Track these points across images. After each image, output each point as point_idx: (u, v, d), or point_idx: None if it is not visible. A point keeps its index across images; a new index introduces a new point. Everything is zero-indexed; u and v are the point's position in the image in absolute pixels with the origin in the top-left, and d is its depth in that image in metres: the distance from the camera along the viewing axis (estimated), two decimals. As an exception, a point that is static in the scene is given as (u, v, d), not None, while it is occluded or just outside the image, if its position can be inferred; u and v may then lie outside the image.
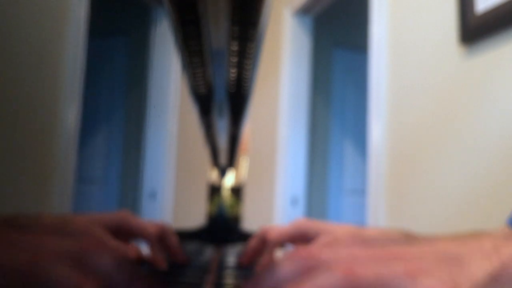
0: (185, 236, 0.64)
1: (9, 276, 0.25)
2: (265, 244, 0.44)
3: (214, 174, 0.63)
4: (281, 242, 0.42)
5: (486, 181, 1.14)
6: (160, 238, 0.42)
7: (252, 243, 0.45)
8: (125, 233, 0.39)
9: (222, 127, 0.44)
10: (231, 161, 0.60)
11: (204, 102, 0.38)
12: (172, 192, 2.57)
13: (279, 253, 0.42)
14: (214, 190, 0.62)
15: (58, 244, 0.28)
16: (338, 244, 0.31)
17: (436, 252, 0.29)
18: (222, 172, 0.63)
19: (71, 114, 1.73)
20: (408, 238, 0.32)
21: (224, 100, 0.37)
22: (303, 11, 2.49)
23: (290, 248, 0.42)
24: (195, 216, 2.35)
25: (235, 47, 0.29)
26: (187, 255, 0.43)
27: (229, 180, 0.62)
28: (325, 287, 0.26)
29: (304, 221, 0.40)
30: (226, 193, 0.62)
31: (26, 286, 0.26)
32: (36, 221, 0.32)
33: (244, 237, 0.66)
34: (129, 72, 2.86)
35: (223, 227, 0.63)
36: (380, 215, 1.54)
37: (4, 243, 0.27)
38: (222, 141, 0.50)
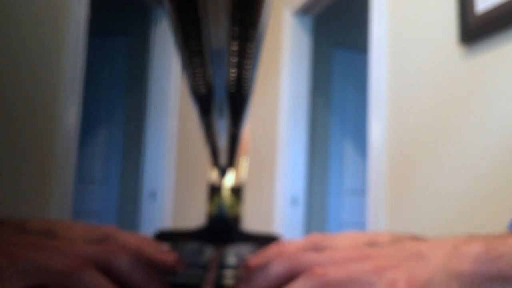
0: (185, 236, 0.64)
1: (48, 276, 0.29)
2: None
3: (214, 174, 0.63)
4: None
5: (486, 181, 1.14)
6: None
7: (268, 254, 0.46)
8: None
9: (222, 127, 0.44)
10: (231, 161, 0.60)
11: (204, 102, 0.38)
12: (172, 192, 2.57)
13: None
14: (214, 190, 0.62)
15: (88, 250, 0.32)
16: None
17: (402, 251, 0.32)
18: (222, 172, 0.63)
19: (71, 114, 1.73)
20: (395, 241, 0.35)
21: (224, 100, 0.37)
22: (303, 11, 2.49)
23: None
24: (195, 216, 2.35)
25: (235, 47, 0.29)
26: (180, 258, 0.43)
27: (229, 180, 0.62)
28: None
29: (317, 236, 0.41)
30: (226, 193, 0.62)
31: (66, 286, 0.29)
32: (45, 226, 0.35)
33: (244, 237, 0.66)
34: (129, 72, 2.85)
35: (223, 227, 0.63)
36: (380, 215, 1.54)
37: (41, 246, 0.31)
38: (222, 141, 0.50)
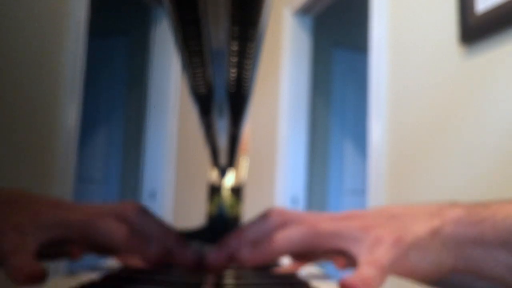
0: (185, 236, 0.64)
1: (72, 227, 0.33)
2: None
3: (214, 174, 0.63)
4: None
5: (486, 181, 1.14)
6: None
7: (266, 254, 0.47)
8: None
9: (222, 127, 0.44)
10: (231, 161, 0.60)
11: (204, 102, 0.38)
12: (172, 192, 2.56)
13: None
14: (214, 190, 0.62)
15: (106, 207, 0.36)
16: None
17: (388, 213, 0.34)
18: (222, 172, 0.63)
19: (71, 114, 1.73)
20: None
21: (224, 100, 0.37)
22: (303, 11, 2.49)
23: None
24: (195, 216, 2.35)
25: (235, 47, 0.29)
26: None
27: (229, 180, 0.62)
28: (293, 236, 0.32)
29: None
30: (226, 193, 0.62)
31: (85, 235, 0.33)
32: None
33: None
34: (129, 72, 2.85)
35: (223, 227, 0.63)
36: (380, 215, 1.54)
37: (65, 206, 0.35)
38: (222, 141, 0.50)
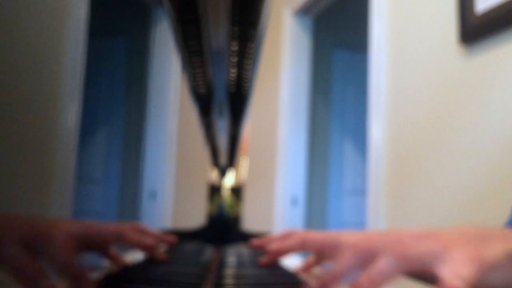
0: (185, 236, 0.64)
1: (105, 235, 0.46)
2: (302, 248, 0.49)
3: (214, 174, 0.63)
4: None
5: (486, 181, 1.14)
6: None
7: (289, 246, 0.49)
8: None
9: (222, 127, 0.44)
10: (231, 161, 0.60)
11: (204, 102, 0.38)
12: (172, 192, 2.56)
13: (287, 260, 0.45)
14: (214, 190, 0.62)
15: (123, 225, 0.49)
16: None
17: (462, 233, 0.35)
18: (222, 172, 0.63)
19: (71, 114, 1.73)
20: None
21: (224, 100, 0.37)
22: (303, 11, 2.49)
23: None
24: (195, 216, 2.34)
25: (235, 47, 0.29)
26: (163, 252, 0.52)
27: (229, 180, 0.62)
28: (385, 270, 0.34)
29: (334, 234, 0.44)
30: (226, 193, 0.61)
31: (114, 241, 0.47)
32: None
33: (244, 237, 0.66)
34: (129, 72, 2.85)
35: (223, 227, 0.63)
36: (380, 215, 1.54)
37: (97, 225, 0.47)
38: (222, 141, 0.50)
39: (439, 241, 0.34)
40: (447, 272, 0.32)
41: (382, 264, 0.34)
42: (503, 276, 0.32)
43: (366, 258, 0.36)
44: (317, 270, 0.46)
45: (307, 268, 0.52)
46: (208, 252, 0.64)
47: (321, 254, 0.47)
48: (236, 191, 0.62)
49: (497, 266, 0.32)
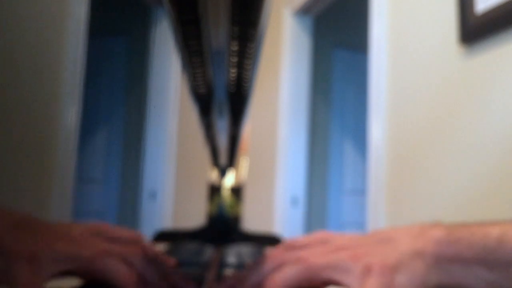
0: (185, 236, 0.64)
1: (84, 263, 0.36)
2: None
3: (214, 174, 0.63)
4: None
5: (486, 181, 1.14)
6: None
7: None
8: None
9: (222, 127, 0.44)
10: (231, 161, 0.60)
11: (204, 102, 0.38)
12: (172, 192, 2.56)
13: None
14: (214, 190, 0.62)
15: (114, 246, 0.39)
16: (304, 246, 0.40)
17: (375, 238, 0.36)
18: (222, 172, 0.63)
19: (71, 114, 1.73)
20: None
21: (224, 100, 0.37)
22: (303, 11, 2.49)
23: None
24: (195, 216, 2.35)
25: (235, 47, 0.29)
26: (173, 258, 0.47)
27: (229, 180, 0.62)
28: (288, 276, 0.35)
29: (322, 233, 0.44)
30: (226, 193, 0.62)
31: (93, 271, 0.36)
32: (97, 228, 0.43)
33: (244, 237, 0.66)
34: (129, 72, 2.85)
35: (223, 227, 0.63)
36: (380, 215, 1.54)
37: (77, 239, 0.38)
38: (222, 141, 0.50)
39: (349, 251, 0.35)
40: (354, 284, 0.33)
41: (285, 270, 0.35)
42: (411, 277, 0.32)
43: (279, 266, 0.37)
44: None
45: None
46: (208, 252, 0.64)
47: None
48: (236, 191, 0.62)
49: (404, 267, 0.32)
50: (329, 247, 0.37)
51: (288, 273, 0.35)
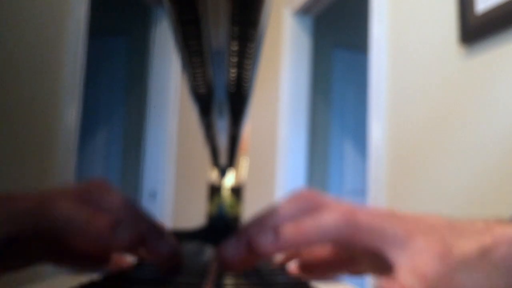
0: (185, 236, 0.64)
1: (21, 218, 0.26)
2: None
3: (214, 174, 0.63)
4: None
5: (487, 181, 1.14)
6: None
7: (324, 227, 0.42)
8: None
9: (222, 127, 0.44)
10: (231, 161, 0.60)
11: (204, 102, 0.38)
12: (172, 192, 2.56)
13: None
14: (214, 190, 0.62)
15: (65, 188, 0.29)
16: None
17: (430, 222, 0.28)
18: (222, 172, 0.63)
19: (71, 114, 1.73)
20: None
21: (224, 100, 0.37)
22: (303, 11, 2.49)
23: None
24: (195, 216, 2.35)
25: (235, 47, 0.29)
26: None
27: (229, 180, 0.62)
28: (325, 226, 0.27)
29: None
30: (226, 193, 0.61)
31: (39, 225, 0.26)
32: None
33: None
34: (129, 72, 2.85)
35: (223, 227, 0.63)
36: (380, 215, 1.54)
37: (13, 196, 0.28)
38: (222, 141, 0.50)
39: (402, 222, 0.27)
40: (404, 263, 0.26)
41: (323, 216, 0.27)
42: (474, 277, 0.25)
43: (310, 210, 0.28)
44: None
45: (287, 260, 0.45)
46: (208, 252, 0.64)
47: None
48: (236, 191, 0.62)
49: (468, 265, 0.26)
50: (375, 209, 0.29)
51: (326, 220, 0.27)
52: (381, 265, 0.28)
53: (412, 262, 0.26)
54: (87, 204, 0.28)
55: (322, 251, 0.36)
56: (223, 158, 0.58)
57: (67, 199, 0.27)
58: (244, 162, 0.65)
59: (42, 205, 0.26)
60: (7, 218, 0.26)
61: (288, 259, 0.47)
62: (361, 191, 2.63)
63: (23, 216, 0.26)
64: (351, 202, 0.29)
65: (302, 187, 0.35)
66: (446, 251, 0.26)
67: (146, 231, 0.29)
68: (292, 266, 0.45)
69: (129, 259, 0.44)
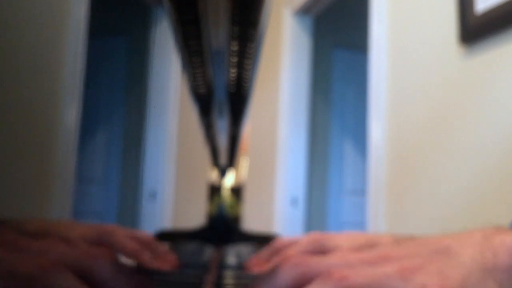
0: (185, 236, 0.64)
1: (18, 280, 0.25)
2: (278, 256, 0.41)
3: (214, 174, 0.63)
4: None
5: (487, 181, 1.14)
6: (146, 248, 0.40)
7: (266, 253, 0.43)
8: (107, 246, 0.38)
9: (222, 127, 0.44)
10: (231, 161, 0.60)
11: (204, 102, 0.38)
12: (172, 192, 2.56)
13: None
14: (214, 190, 0.62)
15: (64, 253, 0.29)
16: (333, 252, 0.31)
17: (426, 246, 0.28)
18: (222, 172, 0.63)
19: (71, 114, 1.73)
20: (398, 241, 0.31)
21: (224, 100, 0.37)
22: (303, 11, 2.49)
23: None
24: (195, 216, 2.35)
25: (235, 47, 0.29)
26: (177, 258, 0.41)
27: (229, 180, 0.62)
28: None
29: (317, 234, 0.39)
30: (226, 193, 0.61)
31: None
32: (43, 227, 0.34)
33: (244, 237, 0.66)
34: (129, 72, 2.85)
35: (223, 227, 0.63)
36: (380, 215, 1.54)
37: (13, 248, 0.28)
38: (222, 141, 0.50)
39: (395, 262, 0.27)
40: None
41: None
42: None
43: (303, 277, 0.28)
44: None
45: (259, 264, 0.45)
46: (208, 252, 0.64)
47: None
48: (236, 191, 0.62)
49: (470, 286, 0.24)
50: (367, 254, 0.28)
51: None
52: None
53: None
54: (82, 274, 0.28)
55: None
56: (223, 158, 0.58)
57: (69, 274, 0.27)
58: (244, 162, 0.65)
59: (42, 275, 0.26)
60: (3, 273, 0.25)
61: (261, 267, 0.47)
62: (361, 191, 2.63)
63: (21, 278, 0.26)
64: (341, 255, 0.29)
65: (313, 233, 0.35)
66: (446, 283, 0.25)
67: None
68: None
69: (128, 263, 0.44)
